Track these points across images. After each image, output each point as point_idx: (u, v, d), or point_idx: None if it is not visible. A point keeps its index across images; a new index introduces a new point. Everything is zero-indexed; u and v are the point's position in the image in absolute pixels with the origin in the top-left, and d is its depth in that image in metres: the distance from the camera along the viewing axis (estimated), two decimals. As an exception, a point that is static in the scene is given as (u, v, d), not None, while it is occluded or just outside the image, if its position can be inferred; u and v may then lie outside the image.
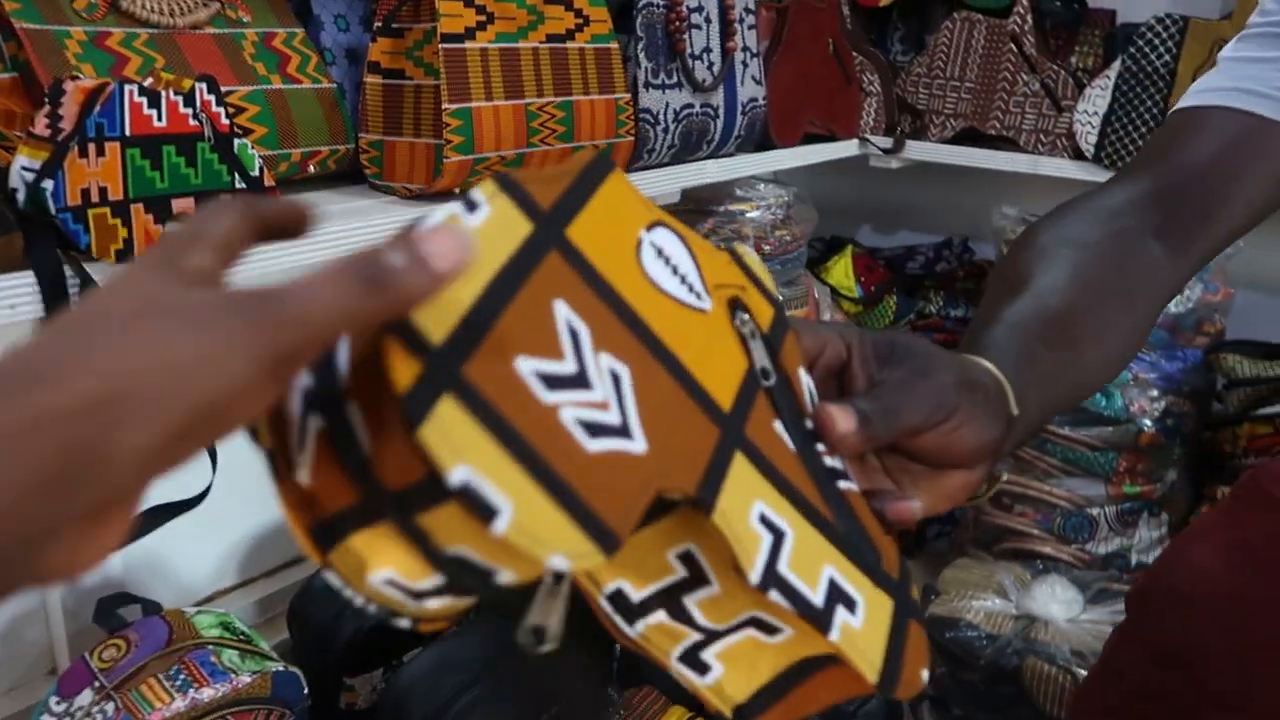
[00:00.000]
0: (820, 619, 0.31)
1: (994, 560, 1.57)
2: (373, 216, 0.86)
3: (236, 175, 0.69)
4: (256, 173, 0.70)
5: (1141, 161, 0.60)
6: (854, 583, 0.33)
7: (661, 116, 1.09)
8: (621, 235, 0.32)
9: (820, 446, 0.36)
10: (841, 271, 1.77)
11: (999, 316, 0.49)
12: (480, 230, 0.27)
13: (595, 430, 0.26)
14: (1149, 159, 0.60)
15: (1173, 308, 1.52)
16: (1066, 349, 0.50)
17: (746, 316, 0.35)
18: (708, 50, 1.16)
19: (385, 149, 0.90)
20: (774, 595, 0.30)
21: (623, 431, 0.27)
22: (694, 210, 1.40)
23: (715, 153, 1.22)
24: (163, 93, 0.64)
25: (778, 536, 0.30)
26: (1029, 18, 1.55)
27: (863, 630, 0.32)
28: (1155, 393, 1.53)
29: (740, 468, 0.31)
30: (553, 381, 0.26)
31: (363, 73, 0.89)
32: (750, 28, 1.24)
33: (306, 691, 0.87)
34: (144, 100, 0.62)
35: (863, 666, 0.32)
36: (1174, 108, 0.62)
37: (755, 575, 0.29)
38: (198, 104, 0.65)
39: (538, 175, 0.30)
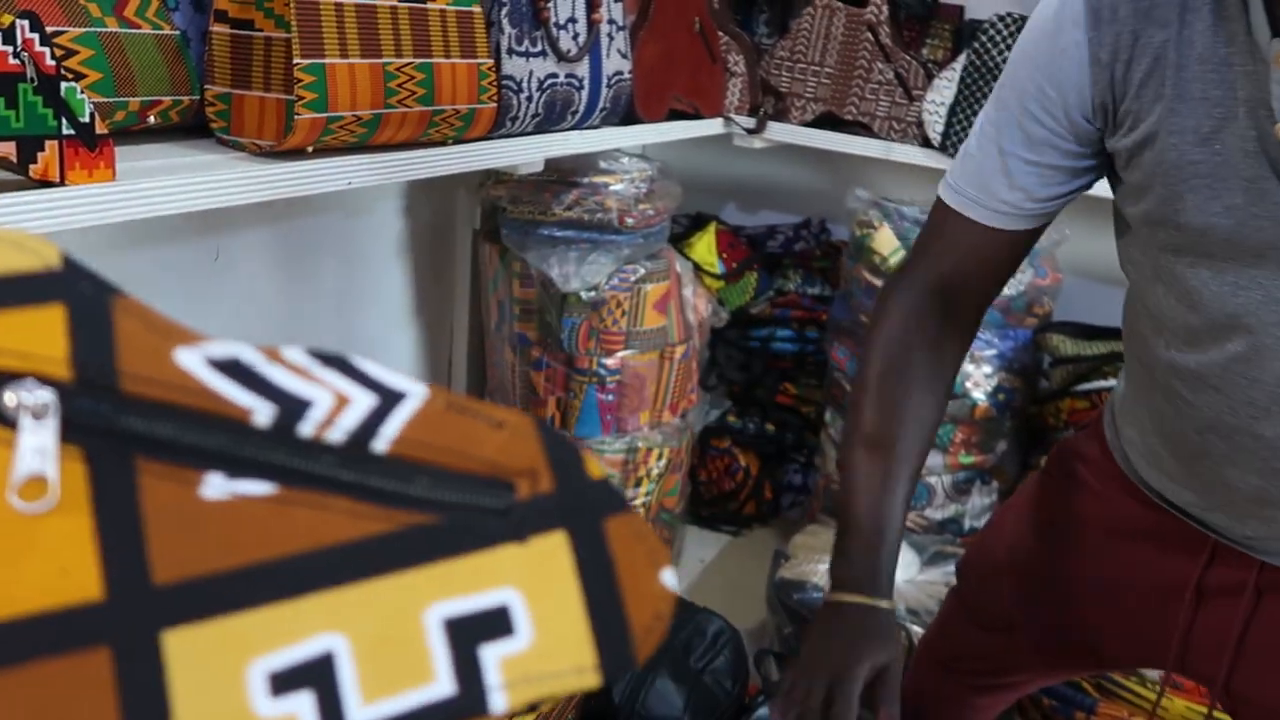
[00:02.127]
0: (467, 704, 0.21)
1: (841, 527, 1.65)
2: (220, 171, 0.82)
3: (64, 120, 0.65)
4: (86, 119, 0.66)
5: (919, 255, 0.79)
6: (482, 579, 0.22)
7: (525, 85, 1.09)
8: None
9: (310, 430, 0.25)
10: (705, 248, 1.81)
11: (884, 528, 0.74)
12: None
13: None
14: (925, 252, 0.79)
15: (1008, 291, 1.62)
16: (911, 493, 0.76)
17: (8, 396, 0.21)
18: (573, 20, 1.16)
19: (233, 102, 0.87)
20: None
21: None
22: (558, 181, 1.40)
23: (580, 124, 1.23)
24: (-21, 28, 0.59)
25: (320, 669, 0.20)
26: (885, 8, 1.62)
27: (539, 638, 0.22)
28: (989, 369, 1.63)
29: (182, 647, 0.19)
30: None
31: (209, 21, 0.85)
32: (616, 0, 1.24)
33: None
34: (-43, 34, 0.58)
35: (572, 683, 0.23)
36: (940, 188, 0.77)
37: None
38: (18, 42, 0.61)
39: None
